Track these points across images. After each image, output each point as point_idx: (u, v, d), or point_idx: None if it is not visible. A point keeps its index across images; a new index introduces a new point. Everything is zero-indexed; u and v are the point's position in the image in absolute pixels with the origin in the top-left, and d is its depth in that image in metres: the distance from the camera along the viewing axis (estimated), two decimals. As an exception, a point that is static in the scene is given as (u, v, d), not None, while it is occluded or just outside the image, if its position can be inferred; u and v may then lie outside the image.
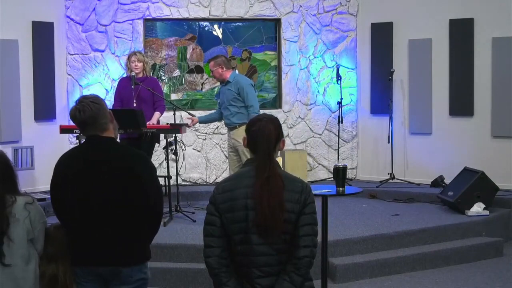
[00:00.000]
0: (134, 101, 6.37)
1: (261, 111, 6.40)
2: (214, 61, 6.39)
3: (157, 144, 6.61)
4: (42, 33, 7.39)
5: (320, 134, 8.51)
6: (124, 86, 6.57)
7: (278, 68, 8.45)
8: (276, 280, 2.72)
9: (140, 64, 6.45)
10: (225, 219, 2.73)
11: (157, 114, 6.46)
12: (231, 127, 6.39)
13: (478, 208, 6.50)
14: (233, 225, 2.72)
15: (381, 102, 8.16)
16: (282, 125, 2.93)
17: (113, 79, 7.81)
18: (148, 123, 6.24)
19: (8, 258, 2.95)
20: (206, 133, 8.16)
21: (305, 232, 2.71)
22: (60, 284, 3.03)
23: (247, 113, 6.22)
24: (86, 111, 2.98)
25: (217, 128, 8.15)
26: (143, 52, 7.53)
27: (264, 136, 2.77)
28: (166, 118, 6.93)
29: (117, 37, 7.88)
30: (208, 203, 2.81)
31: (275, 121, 2.84)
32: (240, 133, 6.05)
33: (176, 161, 6.69)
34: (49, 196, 3.18)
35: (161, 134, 6.49)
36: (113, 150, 3.06)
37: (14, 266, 2.97)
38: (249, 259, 2.72)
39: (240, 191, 2.73)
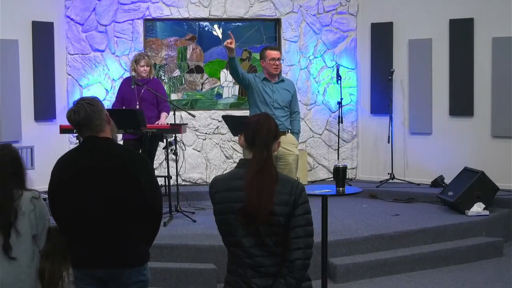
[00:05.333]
0: (137, 103, 6.37)
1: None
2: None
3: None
4: (42, 33, 7.39)
5: (320, 134, 8.50)
6: (128, 87, 6.53)
7: (278, 68, 8.44)
8: (274, 281, 2.71)
9: (148, 68, 6.48)
10: (218, 220, 2.77)
11: (164, 114, 6.46)
12: (281, 131, 5.69)
13: (478, 208, 6.50)
14: (225, 227, 2.75)
15: (381, 102, 8.16)
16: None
17: (113, 79, 7.81)
18: (157, 123, 6.28)
19: (15, 252, 2.97)
20: (206, 133, 8.16)
21: (296, 234, 2.69)
22: (44, 283, 3.02)
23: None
24: (81, 113, 2.98)
25: (217, 128, 8.15)
26: (144, 51, 7.54)
27: (263, 129, 2.75)
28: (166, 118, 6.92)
29: (117, 37, 7.88)
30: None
31: (273, 119, 2.85)
32: (291, 139, 5.60)
33: (176, 161, 6.68)
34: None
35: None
36: (110, 150, 3.04)
37: (19, 261, 2.98)
38: (242, 260, 2.72)
39: (234, 193, 2.73)
